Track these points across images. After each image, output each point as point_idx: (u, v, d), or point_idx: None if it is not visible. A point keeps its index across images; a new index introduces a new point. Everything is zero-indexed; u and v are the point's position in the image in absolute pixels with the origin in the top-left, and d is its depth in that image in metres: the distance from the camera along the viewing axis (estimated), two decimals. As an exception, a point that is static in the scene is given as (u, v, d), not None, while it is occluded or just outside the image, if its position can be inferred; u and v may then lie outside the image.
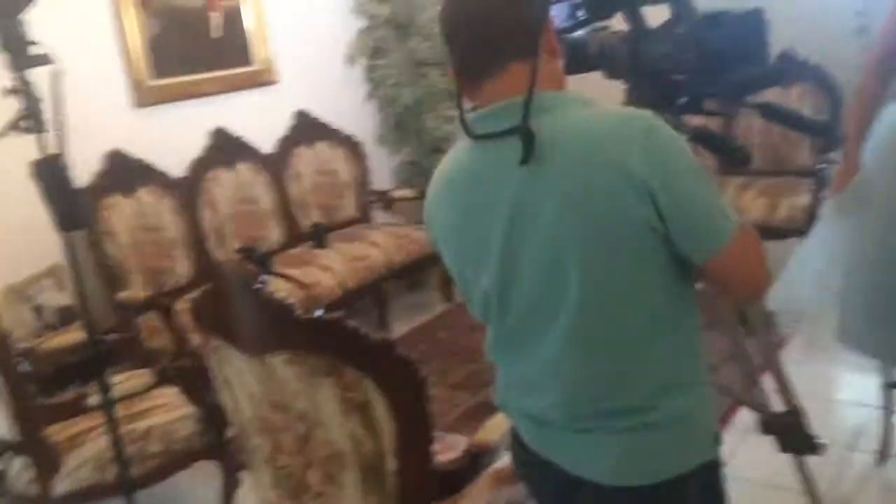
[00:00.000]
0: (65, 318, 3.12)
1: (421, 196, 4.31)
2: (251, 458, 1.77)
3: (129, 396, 2.31)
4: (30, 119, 1.74)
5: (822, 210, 2.46)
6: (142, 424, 2.35)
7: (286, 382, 1.53)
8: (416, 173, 4.62)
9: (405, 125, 4.55)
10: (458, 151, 1.28)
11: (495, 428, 1.78)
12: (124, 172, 3.44)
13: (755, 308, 1.87)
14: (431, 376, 3.57)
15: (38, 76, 1.79)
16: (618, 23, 1.50)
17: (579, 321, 1.17)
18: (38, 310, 2.89)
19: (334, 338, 1.45)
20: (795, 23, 3.52)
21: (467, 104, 1.24)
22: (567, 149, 1.13)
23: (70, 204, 1.79)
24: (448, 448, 1.81)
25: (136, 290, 3.28)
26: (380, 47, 4.40)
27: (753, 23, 1.36)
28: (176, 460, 2.38)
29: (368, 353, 1.47)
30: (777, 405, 1.79)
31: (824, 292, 2.30)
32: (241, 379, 1.63)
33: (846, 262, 2.21)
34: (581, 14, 1.50)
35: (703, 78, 1.38)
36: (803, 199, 3.77)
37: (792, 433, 1.67)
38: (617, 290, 1.16)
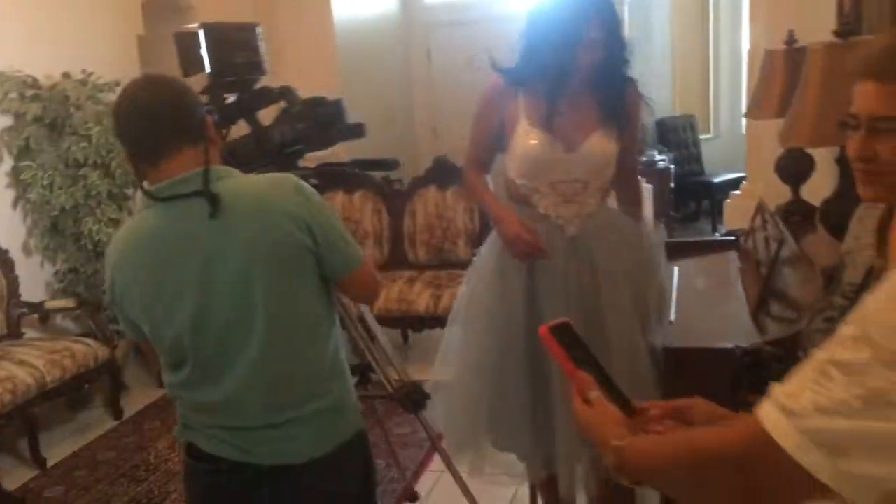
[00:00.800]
0: None
1: (78, 306, 3.94)
2: None
3: None
4: None
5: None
6: None
7: None
8: (76, 281, 4.24)
9: (61, 230, 4.19)
10: (144, 218, 1.56)
11: None
12: None
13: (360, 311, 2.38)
14: None
15: None
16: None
17: (268, 336, 1.52)
18: None
19: None
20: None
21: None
22: (244, 203, 1.51)
23: None
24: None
25: None
26: (29, 147, 4.04)
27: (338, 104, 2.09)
28: None
29: None
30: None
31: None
32: None
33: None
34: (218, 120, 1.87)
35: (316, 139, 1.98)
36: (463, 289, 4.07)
37: (412, 394, 2.22)
38: (292, 303, 1.55)
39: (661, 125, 7.37)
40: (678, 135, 7.35)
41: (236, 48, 2.04)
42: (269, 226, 1.51)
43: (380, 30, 6.27)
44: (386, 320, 4.28)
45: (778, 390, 0.76)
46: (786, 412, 0.73)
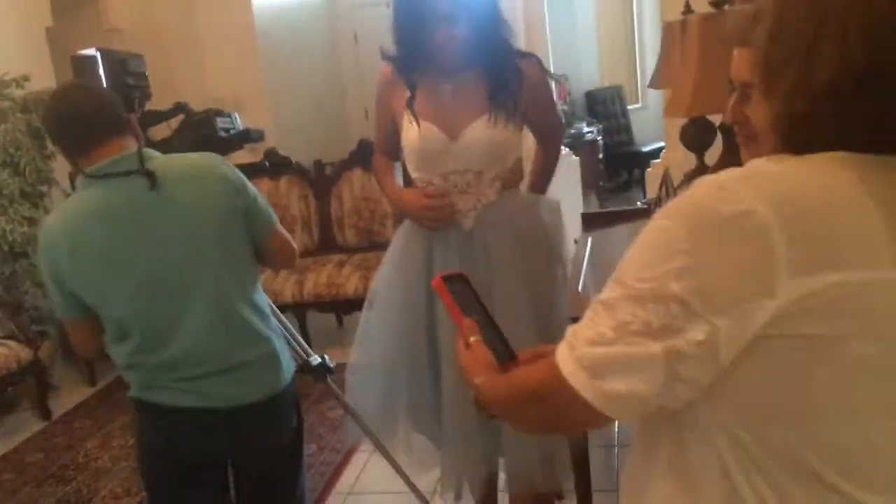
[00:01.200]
0: None
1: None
2: None
3: None
4: None
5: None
6: None
7: None
8: (-3, 281, 4.14)
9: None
10: (85, 196, 1.72)
11: None
12: None
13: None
14: None
15: None
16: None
17: (218, 287, 1.75)
18: None
19: None
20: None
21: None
22: (179, 173, 1.74)
23: None
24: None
25: None
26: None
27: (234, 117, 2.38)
28: None
29: None
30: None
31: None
32: None
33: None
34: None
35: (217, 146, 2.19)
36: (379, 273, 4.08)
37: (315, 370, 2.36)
38: (234, 256, 1.79)
39: (590, 97, 7.46)
40: (606, 106, 7.45)
41: (126, 73, 2.27)
42: (206, 189, 1.75)
43: (303, 16, 6.20)
44: (317, 305, 4.30)
45: (570, 329, 0.86)
46: (568, 346, 0.84)
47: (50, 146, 3.97)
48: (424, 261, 2.12)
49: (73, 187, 2.05)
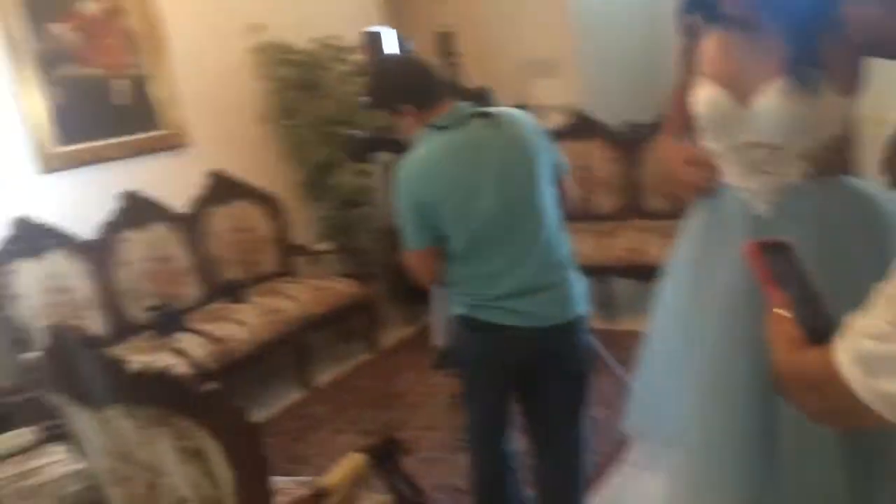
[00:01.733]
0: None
1: (339, 250, 4.43)
2: (111, 510, 1.85)
3: (12, 455, 2.35)
4: None
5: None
6: (31, 481, 2.40)
7: (126, 434, 1.62)
8: (333, 228, 4.73)
9: (318, 182, 4.67)
10: (434, 145, 2.10)
11: (340, 471, 1.87)
12: (31, 237, 3.51)
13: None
14: (344, 423, 3.68)
15: None
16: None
17: (544, 218, 2.13)
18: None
19: (163, 389, 1.55)
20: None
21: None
22: (506, 117, 2.16)
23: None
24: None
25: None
26: (290, 108, 4.54)
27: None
28: (67, 516, 2.41)
29: (198, 402, 1.56)
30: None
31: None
32: (88, 433, 1.71)
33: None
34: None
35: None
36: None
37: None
38: (549, 192, 2.16)
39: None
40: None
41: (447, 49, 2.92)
42: (528, 129, 2.16)
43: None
44: (617, 270, 4.29)
45: (850, 316, 0.82)
46: (844, 334, 0.81)
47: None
48: (703, 241, 1.80)
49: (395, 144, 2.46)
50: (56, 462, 2.46)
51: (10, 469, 2.43)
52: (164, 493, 1.67)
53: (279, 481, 2.12)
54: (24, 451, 2.46)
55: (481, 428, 2.35)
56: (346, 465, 1.91)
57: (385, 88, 2.24)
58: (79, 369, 1.61)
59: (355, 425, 3.67)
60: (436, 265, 2.18)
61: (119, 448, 1.66)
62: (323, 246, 4.69)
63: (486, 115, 2.14)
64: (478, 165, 2.09)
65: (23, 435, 2.49)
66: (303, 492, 1.87)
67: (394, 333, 4.74)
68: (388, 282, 4.76)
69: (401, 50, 2.67)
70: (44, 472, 2.42)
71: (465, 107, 2.16)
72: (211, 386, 1.61)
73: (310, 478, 2.01)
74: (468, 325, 2.21)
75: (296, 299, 4.12)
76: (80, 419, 1.69)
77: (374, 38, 2.68)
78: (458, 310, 2.23)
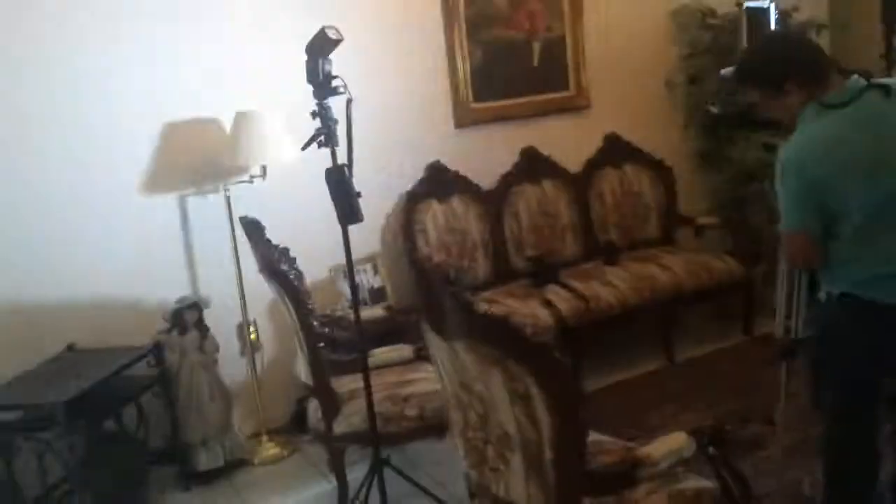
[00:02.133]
0: (375, 296, 3.77)
1: (724, 225, 4.32)
2: (452, 430, 2.10)
3: (394, 365, 2.78)
4: (325, 136, 2.27)
5: None
6: (405, 390, 2.81)
7: (468, 367, 1.83)
8: (725, 201, 4.57)
9: (717, 152, 4.53)
10: (825, 120, 2.02)
11: (663, 446, 1.89)
12: (441, 182, 4.01)
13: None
14: (696, 402, 3.60)
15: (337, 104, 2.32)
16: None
17: None
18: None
19: (501, 334, 1.71)
20: None
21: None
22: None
23: (349, 204, 2.29)
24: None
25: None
26: (696, 75, 4.45)
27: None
28: (427, 427, 2.76)
29: (528, 351, 1.70)
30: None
31: None
32: (441, 359, 1.97)
33: None
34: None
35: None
36: None
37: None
38: None
39: None
40: None
41: None
42: None
43: None
44: None
45: None
46: None
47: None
48: None
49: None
50: (424, 379, 2.85)
51: (390, 377, 2.87)
52: (493, 426, 1.86)
53: (605, 441, 2.22)
54: (404, 363, 2.89)
55: (849, 410, 2.23)
56: (669, 441, 1.93)
57: (772, 65, 2.13)
58: (439, 303, 1.85)
59: (709, 407, 3.58)
60: (817, 248, 2.12)
61: (462, 378, 1.88)
62: (708, 219, 4.56)
63: (882, 87, 2.03)
64: (881, 139, 2.00)
65: (403, 350, 2.92)
66: (622, 455, 1.93)
67: (771, 320, 4.45)
68: (773, 265, 4.46)
69: (783, 26, 2.46)
70: (414, 385, 2.82)
71: (858, 80, 2.05)
72: (543, 339, 1.73)
73: (633, 444, 2.06)
74: (848, 303, 2.12)
75: (669, 270, 4.11)
76: (437, 346, 1.95)
77: (756, 13, 2.49)
78: (839, 288, 2.13)
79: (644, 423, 3.44)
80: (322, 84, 2.23)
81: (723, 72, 2.46)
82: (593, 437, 2.09)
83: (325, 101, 2.27)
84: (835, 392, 2.26)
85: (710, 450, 1.98)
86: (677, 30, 4.54)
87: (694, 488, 2.02)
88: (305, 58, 2.30)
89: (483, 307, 1.81)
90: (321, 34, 2.23)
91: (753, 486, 2.23)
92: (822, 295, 2.21)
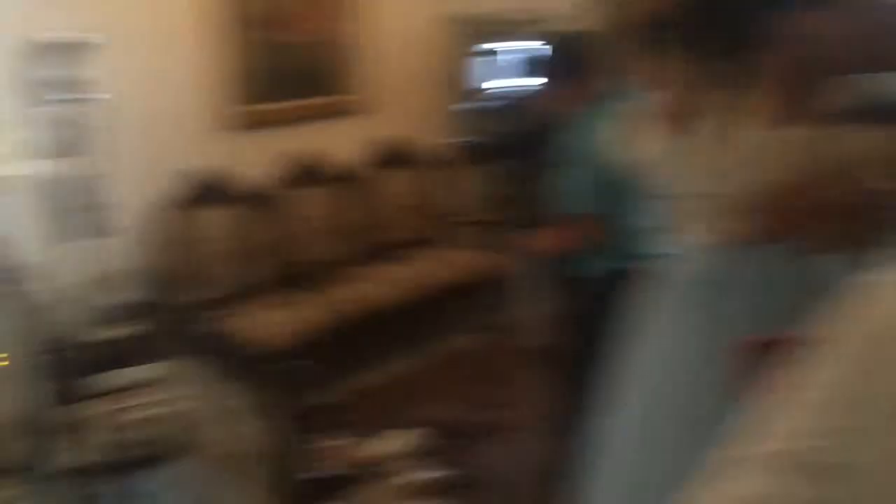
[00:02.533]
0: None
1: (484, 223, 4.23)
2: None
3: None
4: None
5: None
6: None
7: (202, 382, 1.88)
8: (497, 200, 4.78)
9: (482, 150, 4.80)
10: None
11: (386, 443, 2.03)
12: (209, 189, 3.90)
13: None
14: (452, 396, 3.74)
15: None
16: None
17: None
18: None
19: (217, 349, 1.75)
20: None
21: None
22: None
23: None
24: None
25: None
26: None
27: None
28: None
29: (243, 365, 1.76)
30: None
31: None
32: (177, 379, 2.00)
33: None
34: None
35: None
36: None
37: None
38: None
39: None
40: None
41: None
42: None
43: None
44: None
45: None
46: None
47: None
48: None
49: None
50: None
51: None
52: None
53: (337, 445, 2.26)
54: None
55: None
56: (393, 438, 2.04)
57: None
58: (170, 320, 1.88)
59: (462, 400, 3.54)
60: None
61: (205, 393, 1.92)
62: (472, 217, 4.78)
63: None
64: None
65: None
66: (348, 457, 2.05)
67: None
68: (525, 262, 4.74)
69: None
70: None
71: None
72: (269, 350, 1.78)
73: (357, 442, 2.16)
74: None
75: (430, 267, 4.32)
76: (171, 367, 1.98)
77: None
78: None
79: (399, 421, 3.46)
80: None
81: None
82: (326, 442, 2.16)
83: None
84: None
85: (440, 441, 2.08)
86: (449, 36, 4.72)
87: (422, 479, 2.13)
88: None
89: (212, 323, 1.86)
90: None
91: (493, 471, 2.33)
92: None
